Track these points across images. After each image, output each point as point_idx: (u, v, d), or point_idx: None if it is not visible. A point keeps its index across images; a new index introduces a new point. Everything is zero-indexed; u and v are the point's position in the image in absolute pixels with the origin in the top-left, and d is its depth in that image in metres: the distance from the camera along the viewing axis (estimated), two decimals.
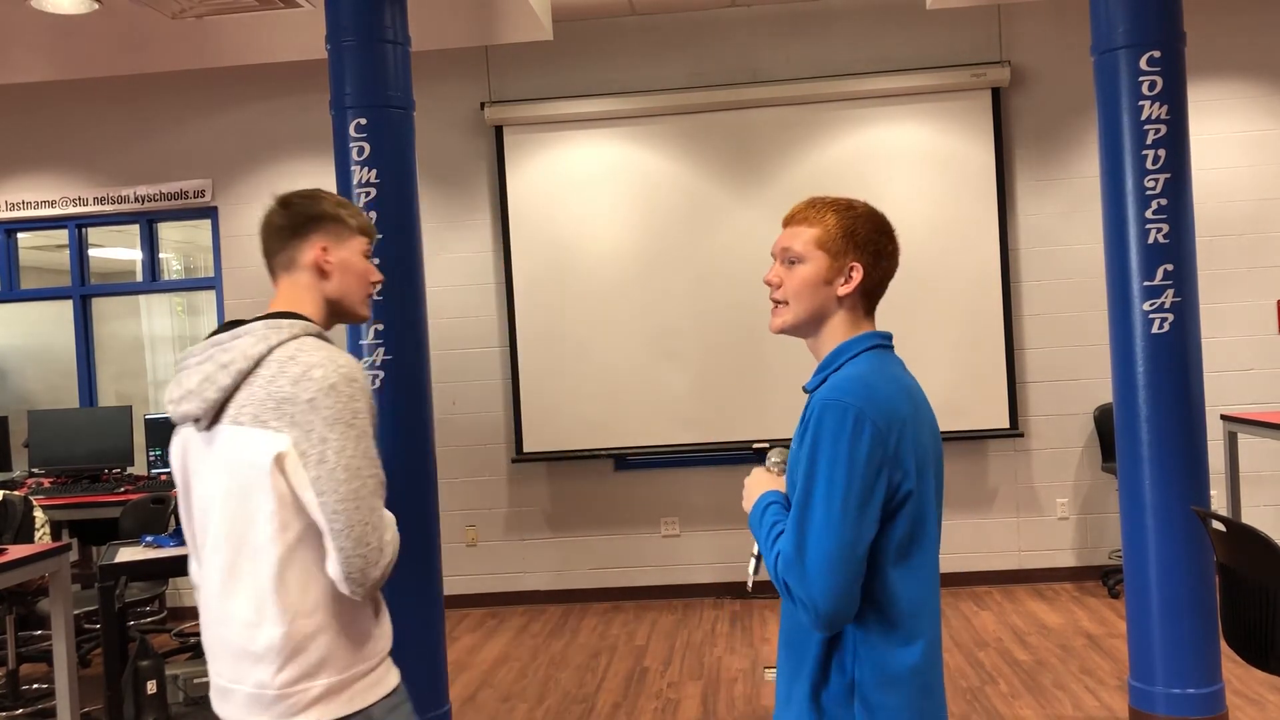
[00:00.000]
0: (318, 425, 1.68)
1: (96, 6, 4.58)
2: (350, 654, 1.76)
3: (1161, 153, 3.75)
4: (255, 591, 1.71)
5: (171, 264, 7.41)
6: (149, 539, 4.17)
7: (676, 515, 6.33)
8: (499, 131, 6.25)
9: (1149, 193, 3.76)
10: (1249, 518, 5.41)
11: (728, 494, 6.27)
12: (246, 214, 6.38)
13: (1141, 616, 3.83)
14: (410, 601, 3.97)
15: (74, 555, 5.61)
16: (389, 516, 1.79)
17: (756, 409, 6.12)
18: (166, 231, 6.88)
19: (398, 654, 1.89)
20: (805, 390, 1.72)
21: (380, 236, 3.99)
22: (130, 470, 5.91)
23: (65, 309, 6.74)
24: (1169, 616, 3.77)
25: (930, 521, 1.65)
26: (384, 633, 1.86)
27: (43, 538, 4.62)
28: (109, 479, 5.76)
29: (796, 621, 1.67)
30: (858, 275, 1.69)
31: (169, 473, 5.19)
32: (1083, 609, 5.58)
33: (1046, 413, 6.12)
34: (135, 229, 6.70)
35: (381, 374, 3.98)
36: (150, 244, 6.67)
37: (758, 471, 1.78)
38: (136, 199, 6.51)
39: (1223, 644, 3.43)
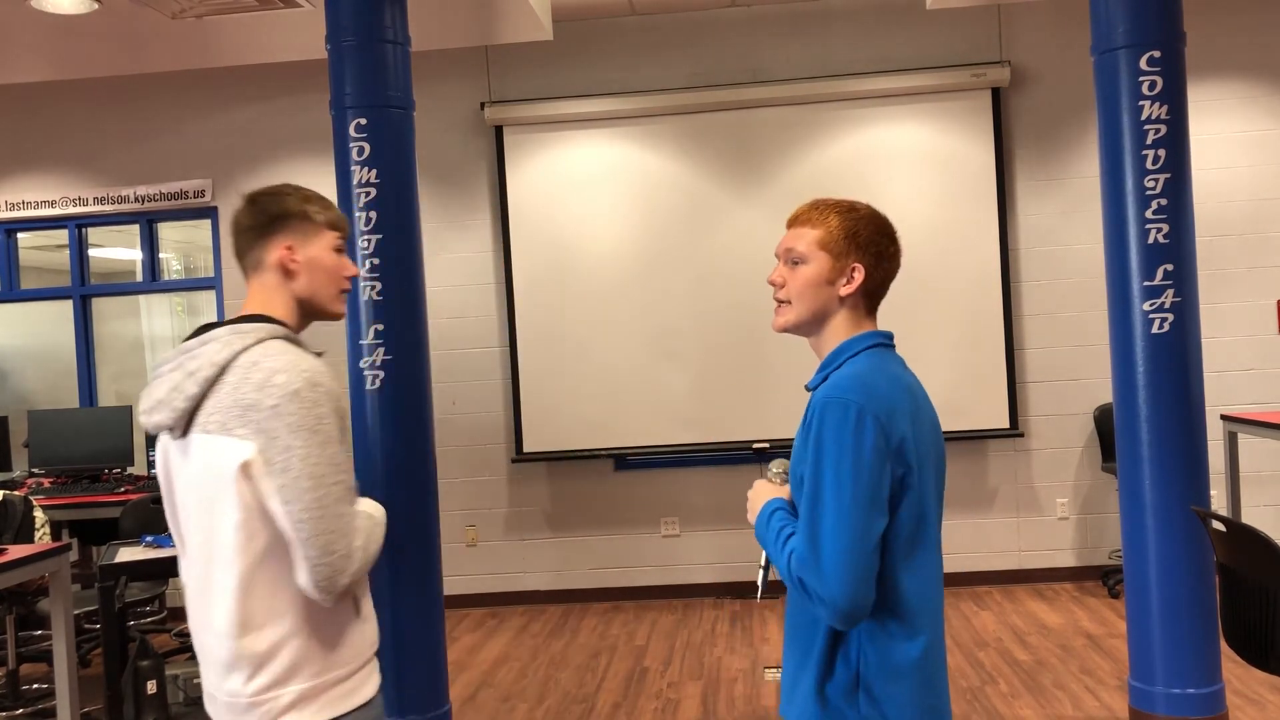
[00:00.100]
0: (282, 432, 1.65)
1: (96, 6, 4.58)
2: (324, 660, 1.73)
3: (1161, 153, 3.75)
4: (225, 600, 1.70)
5: (171, 264, 7.41)
6: (149, 539, 4.17)
7: (676, 515, 6.33)
8: (499, 131, 6.25)
9: (1149, 193, 3.76)
10: (1249, 518, 5.41)
11: (728, 494, 6.27)
12: None
13: (1141, 616, 3.83)
14: (410, 601, 3.98)
15: (74, 555, 5.61)
16: (365, 520, 1.76)
17: (756, 409, 6.12)
18: (166, 231, 6.88)
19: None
20: (807, 389, 1.75)
21: (369, 230, 3.99)
22: (130, 470, 5.91)
23: (65, 309, 6.74)
24: (1169, 616, 3.76)
25: (931, 516, 1.68)
26: (365, 638, 1.82)
27: (43, 538, 4.62)
28: (109, 479, 5.76)
29: (802, 616, 1.70)
30: (859, 276, 1.72)
31: None
32: (1083, 609, 5.59)
33: (1046, 413, 6.13)
34: (135, 229, 6.70)
35: (381, 374, 3.98)
36: (150, 244, 6.67)
37: (760, 482, 1.81)
38: (136, 199, 6.51)
39: (1223, 644, 3.43)
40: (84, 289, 6.69)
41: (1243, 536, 2.97)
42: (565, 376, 6.23)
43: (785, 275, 1.76)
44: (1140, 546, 3.82)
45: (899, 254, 1.76)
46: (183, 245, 7.36)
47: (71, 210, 6.56)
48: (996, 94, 6.04)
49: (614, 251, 6.21)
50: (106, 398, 6.75)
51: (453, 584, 6.32)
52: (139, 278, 6.88)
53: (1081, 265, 6.07)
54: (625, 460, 6.31)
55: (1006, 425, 6.04)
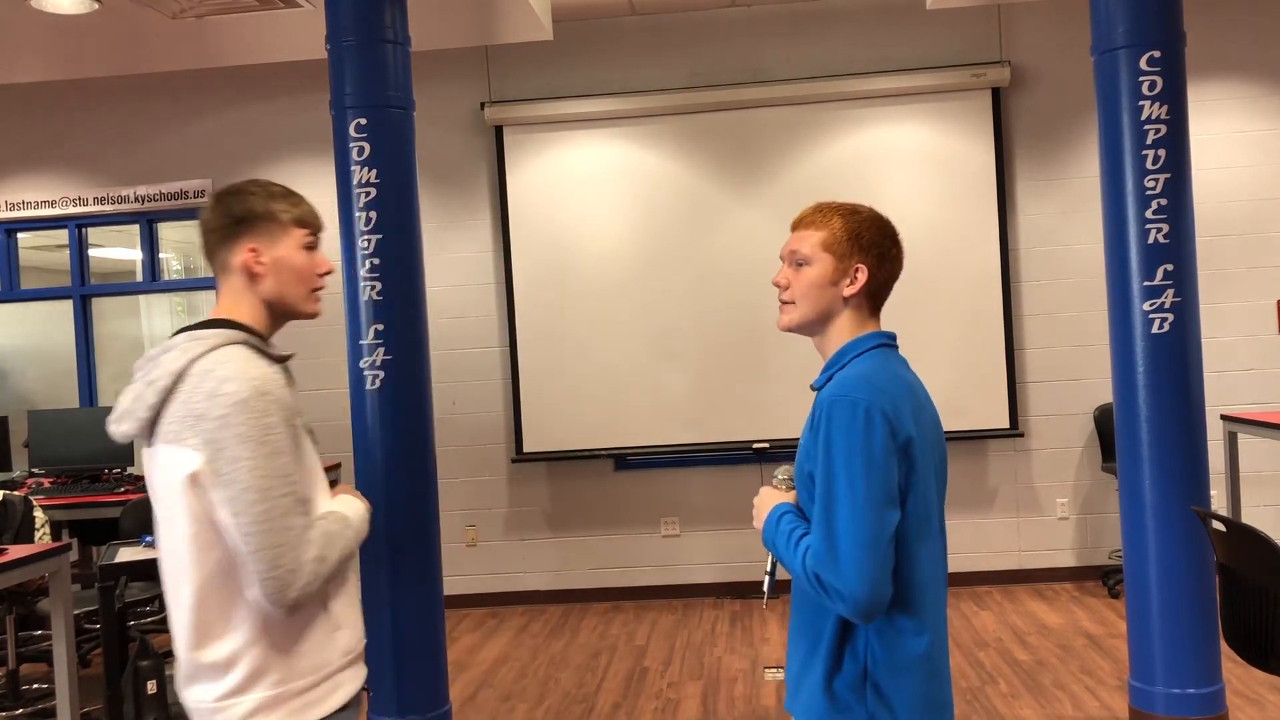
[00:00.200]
0: (230, 443, 1.62)
1: (96, 6, 4.58)
2: (285, 669, 1.71)
3: (1161, 153, 3.75)
4: (182, 613, 1.69)
5: (171, 264, 7.41)
6: (149, 539, 4.17)
7: (676, 515, 6.33)
8: (499, 131, 6.25)
9: (1149, 193, 3.76)
10: (1249, 518, 5.41)
11: (728, 494, 6.27)
12: None
13: (1141, 616, 3.83)
14: (410, 601, 3.98)
15: (74, 555, 5.62)
16: (322, 531, 1.72)
17: (756, 409, 6.12)
18: (166, 231, 6.88)
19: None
20: (813, 388, 1.79)
21: (369, 230, 3.99)
22: (130, 470, 5.91)
23: (65, 309, 6.74)
24: (1169, 616, 3.76)
25: (935, 514, 1.73)
26: (335, 647, 1.78)
27: (43, 538, 4.62)
28: (109, 479, 5.76)
29: (808, 611, 1.74)
30: (862, 276, 1.76)
31: None
32: (1083, 609, 5.59)
33: (1046, 413, 6.13)
34: (135, 229, 6.70)
35: (381, 374, 3.98)
36: (150, 244, 6.67)
37: (766, 489, 1.85)
38: (136, 199, 6.51)
39: (1223, 644, 3.43)
40: (84, 289, 6.69)
41: (1243, 536, 2.97)
42: (565, 376, 6.23)
43: (790, 276, 1.80)
44: (1140, 546, 3.81)
45: (901, 255, 1.81)
46: (183, 245, 7.36)
47: (71, 210, 6.56)
48: (996, 94, 6.04)
49: (614, 251, 6.21)
50: (106, 398, 6.75)
51: (453, 584, 6.33)
52: (139, 278, 6.89)
53: (1081, 265, 6.07)
54: (625, 460, 6.31)
55: (1006, 425, 6.05)
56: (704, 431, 6.17)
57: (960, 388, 6.00)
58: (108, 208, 6.53)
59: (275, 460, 1.65)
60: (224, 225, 1.79)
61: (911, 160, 6.07)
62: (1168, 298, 3.75)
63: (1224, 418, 5.20)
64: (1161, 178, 3.75)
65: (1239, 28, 6.01)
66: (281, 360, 1.83)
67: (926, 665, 1.69)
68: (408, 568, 3.98)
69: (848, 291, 1.76)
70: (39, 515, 4.65)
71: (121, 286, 7.10)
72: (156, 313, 7.33)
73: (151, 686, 3.89)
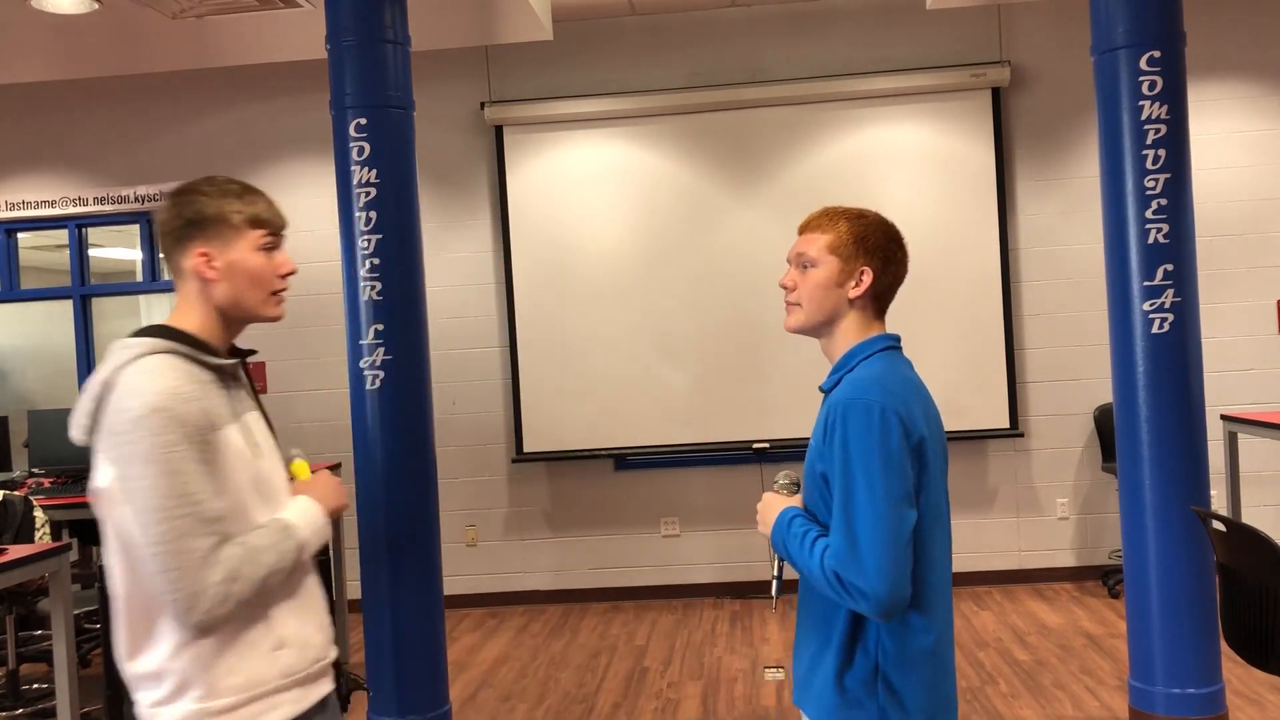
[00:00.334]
0: (133, 460, 1.58)
1: (96, 6, 4.58)
2: (209, 685, 1.65)
3: (1161, 153, 3.75)
4: (118, 624, 1.69)
5: None
6: None
7: (676, 515, 6.33)
8: (499, 131, 6.25)
9: (1149, 193, 3.76)
10: (1249, 518, 5.40)
11: (728, 494, 6.27)
12: None
13: (1141, 616, 3.83)
14: (410, 601, 3.98)
15: (74, 555, 5.61)
16: (237, 552, 1.63)
17: (756, 409, 6.12)
18: None
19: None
20: (821, 390, 1.84)
21: (369, 230, 3.99)
22: None
23: (65, 309, 6.74)
24: (1169, 616, 3.76)
25: (944, 512, 1.77)
26: (275, 666, 1.70)
27: (43, 538, 4.61)
28: None
29: (818, 607, 1.77)
30: (868, 279, 1.80)
31: None
32: (1083, 609, 5.59)
33: (1046, 413, 6.13)
34: (135, 229, 6.70)
35: (381, 374, 3.98)
36: (150, 244, 6.67)
37: (769, 495, 1.88)
38: (136, 199, 6.50)
39: (1223, 644, 3.43)
40: (84, 289, 6.69)
41: (1243, 536, 2.97)
42: (565, 376, 6.23)
43: (796, 279, 1.83)
44: (1140, 546, 3.82)
45: (906, 259, 1.84)
46: None
47: (71, 210, 6.56)
48: (996, 94, 6.04)
49: (614, 251, 6.21)
50: None
51: (453, 584, 6.32)
52: (139, 278, 6.89)
53: (1081, 265, 6.07)
54: (625, 460, 6.31)
55: (1006, 425, 6.05)
56: (704, 431, 6.17)
57: (960, 388, 6.00)
58: (108, 208, 6.53)
59: (175, 480, 1.58)
60: (175, 228, 1.73)
61: (911, 160, 6.07)
62: (1168, 298, 3.75)
63: (1224, 418, 5.20)
64: (1161, 178, 3.75)
65: (1239, 28, 6.01)
66: (231, 362, 1.77)
67: (934, 661, 1.72)
68: (408, 567, 3.98)
69: (853, 294, 1.79)
70: (39, 515, 4.65)
71: (121, 286, 7.10)
72: (156, 313, 7.33)
73: None
